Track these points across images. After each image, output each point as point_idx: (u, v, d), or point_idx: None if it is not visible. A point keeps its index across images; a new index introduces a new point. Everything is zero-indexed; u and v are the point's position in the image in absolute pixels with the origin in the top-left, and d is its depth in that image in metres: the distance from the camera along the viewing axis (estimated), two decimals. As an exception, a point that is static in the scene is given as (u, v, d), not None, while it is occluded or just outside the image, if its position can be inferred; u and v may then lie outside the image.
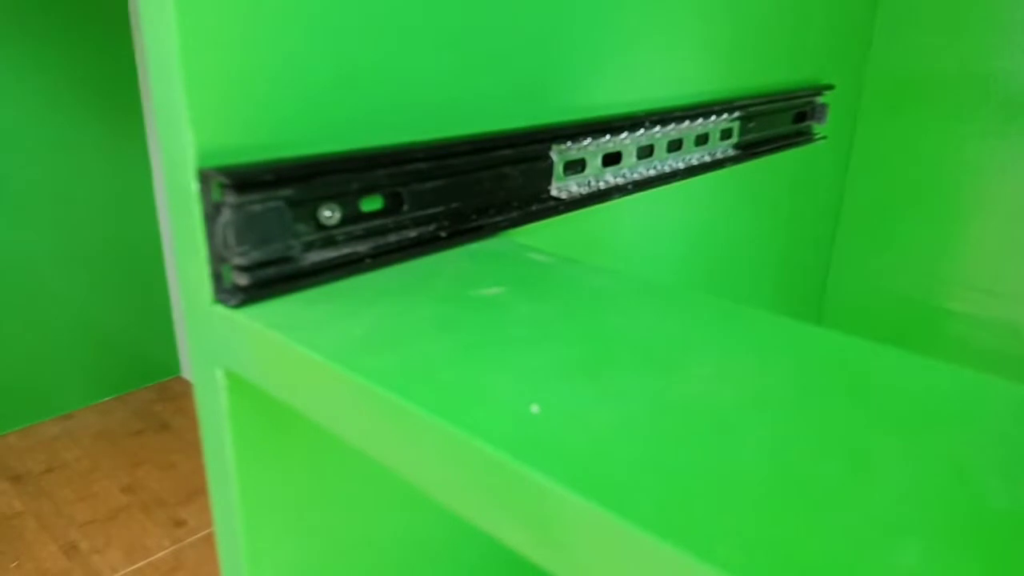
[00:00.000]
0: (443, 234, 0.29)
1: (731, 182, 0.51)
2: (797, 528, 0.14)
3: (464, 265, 0.28)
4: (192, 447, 1.36)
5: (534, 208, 0.33)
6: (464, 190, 0.30)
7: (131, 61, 1.41)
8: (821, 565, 0.13)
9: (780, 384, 0.19)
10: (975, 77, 0.59)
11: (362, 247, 0.27)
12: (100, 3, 1.35)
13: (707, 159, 0.44)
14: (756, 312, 0.24)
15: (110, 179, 1.42)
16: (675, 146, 0.42)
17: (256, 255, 0.24)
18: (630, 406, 0.18)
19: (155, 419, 1.44)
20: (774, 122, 0.51)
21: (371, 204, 0.27)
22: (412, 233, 0.28)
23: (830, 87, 0.57)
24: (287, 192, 0.24)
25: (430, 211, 0.29)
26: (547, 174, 0.34)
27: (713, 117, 0.44)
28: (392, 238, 0.28)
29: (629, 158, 0.39)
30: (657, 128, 0.40)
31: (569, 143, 0.35)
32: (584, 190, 0.36)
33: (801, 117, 0.55)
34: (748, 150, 0.48)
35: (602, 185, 0.37)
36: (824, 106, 0.56)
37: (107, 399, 1.50)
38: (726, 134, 0.46)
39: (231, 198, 0.23)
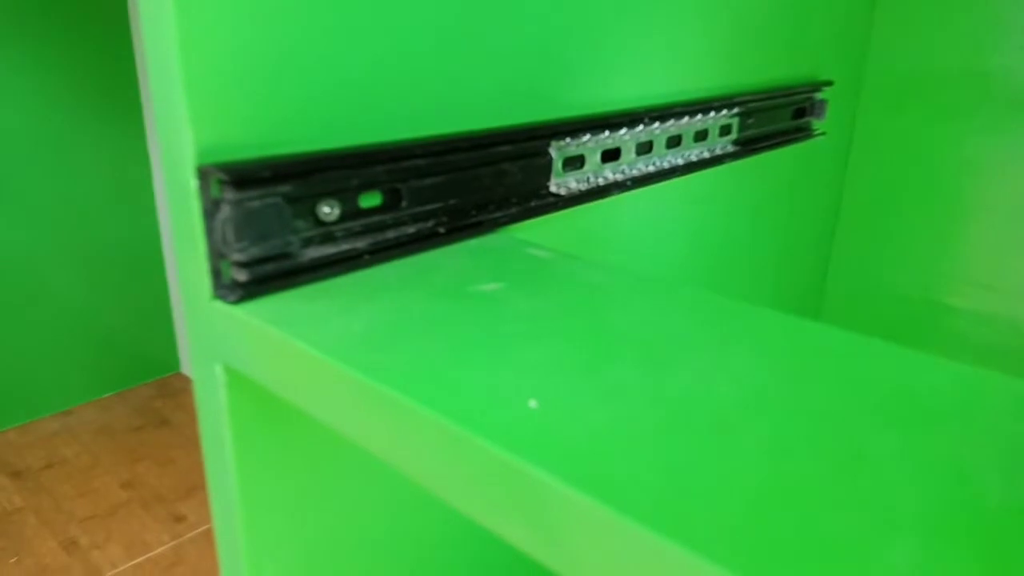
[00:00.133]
0: (442, 230, 0.29)
1: (730, 178, 0.51)
2: (795, 524, 0.14)
3: (463, 261, 0.28)
4: (192, 443, 1.36)
5: (533, 204, 0.33)
6: (463, 186, 0.30)
7: (131, 61, 1.41)
8: (819, 561, 0.13)
9: (779, 380, 0.19)
10: (975, 73, 0.59)
11: (361, 243, 0.27)
12: (100, 3, 1.35)
13: (706, 155, 0.44)
14: (755, 308, 0.24)
15: (110, 177, 1.42)
16: (674, 142, 0.42)
17: (255, 251, 0.24)
18: (629, 402, 0.18)
19: (155, 415, 1.44)
20: (773, 118, 0.51)
21: (370, 200, 0.27)
22: (411, 229, 0.28)
23: (829, 83, 0.57)
24: (286, 188, 0.24)
25: (429, 207, 0.29)
26: (546, 170, 0.34)
27: (712, 113, 0.44)
28: (391, 234, 0.28)
29: (628, 154, 0.39)
30: (656, 124, 0.40)
31: (568, 139, 0.35)
32: (583, 186, 0.36)
33: (800, 113, 0.55)
34: (747, 146, 0.48)
35: (601, 181, 0.37)
36: (823, 102, 0.56)
37: (107, 395, 1.50)
38: (725, 130, 0.46)
39: (230, 194, 0.23)
